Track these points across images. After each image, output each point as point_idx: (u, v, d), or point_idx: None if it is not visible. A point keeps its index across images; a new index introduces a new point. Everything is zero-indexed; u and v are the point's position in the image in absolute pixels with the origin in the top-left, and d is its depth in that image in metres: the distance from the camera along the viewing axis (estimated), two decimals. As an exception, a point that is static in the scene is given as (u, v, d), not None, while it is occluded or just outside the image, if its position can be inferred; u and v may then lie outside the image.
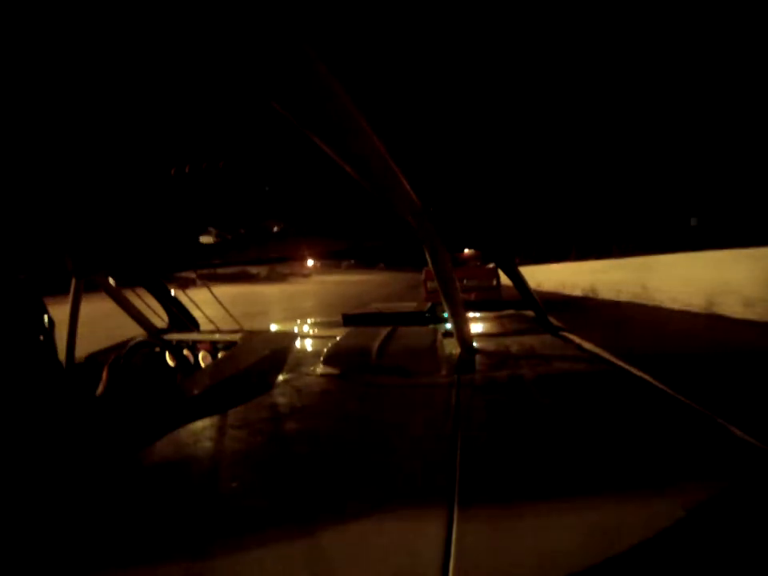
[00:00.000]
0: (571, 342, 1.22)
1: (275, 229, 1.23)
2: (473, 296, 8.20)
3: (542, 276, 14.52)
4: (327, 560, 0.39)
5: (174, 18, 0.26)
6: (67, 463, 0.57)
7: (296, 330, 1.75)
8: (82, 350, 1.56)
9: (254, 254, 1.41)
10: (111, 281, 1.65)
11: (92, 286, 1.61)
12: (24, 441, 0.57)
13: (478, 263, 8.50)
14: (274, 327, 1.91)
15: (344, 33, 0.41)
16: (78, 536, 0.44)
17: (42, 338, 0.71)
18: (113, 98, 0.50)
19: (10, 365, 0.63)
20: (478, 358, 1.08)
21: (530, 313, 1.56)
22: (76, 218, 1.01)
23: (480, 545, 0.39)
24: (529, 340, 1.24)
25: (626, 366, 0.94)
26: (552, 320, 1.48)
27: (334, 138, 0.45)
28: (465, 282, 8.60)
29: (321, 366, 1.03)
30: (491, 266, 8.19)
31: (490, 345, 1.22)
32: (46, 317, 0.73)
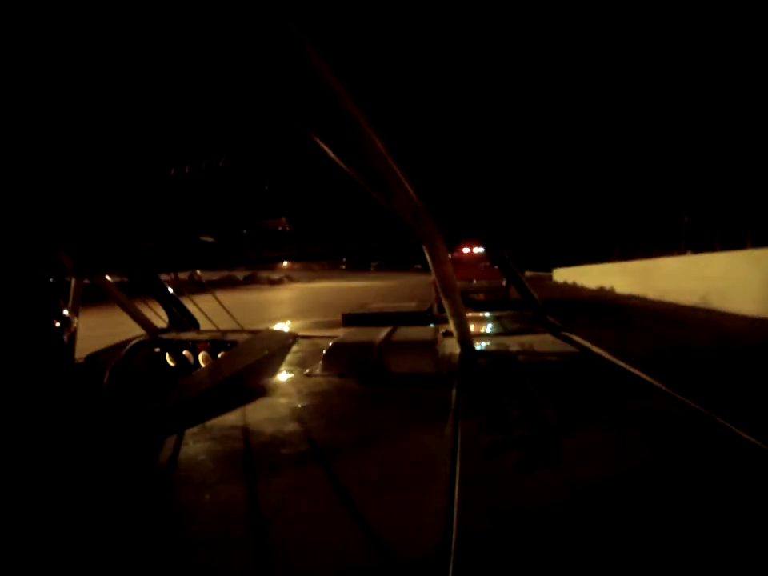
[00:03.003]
0: (571, 341, 1.22)
1: (280, 227, 1.22)
2: (482, 296, 8.72)
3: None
4: (326, 558, 0.39)
5: (172, 16, 0.26)
6: (69, 463, 0.57)
7: (296, 330, 1.75)
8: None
9: (253, 254, 1.40)
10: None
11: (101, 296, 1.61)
12: (29, 440, 0.57)
13: (487, 264, 8.64)
14: (273, 327, 1.91)
15: (344, 32, 0.41)
16: (78, 536, 0.44)
17: (52, 338, 0.70)
18: (112, 97, 0.50)
19: (19, 363, 0.62)
20: (478, 358, 1.08)
21: (530, 313, 1.56)
22: (75, 218, 1.01)
23: (480, 545, 0.39)
24: (529, 340, 1.24)
25: (627, 366, 0.94)
26: (552, 320, 1.48)
27: (333, 136, 0.45)
28: (474, 282, 8.96)
29: (321, 366, 1.03)
30: (499, 266, 8.40)
31: (490, 345, 1.22)
32: (60, 316, 0.72)
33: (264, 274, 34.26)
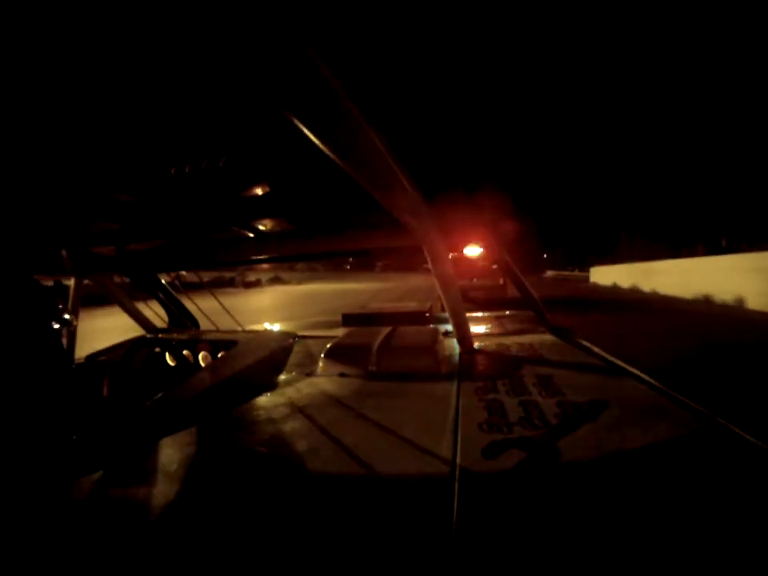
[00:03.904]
0: (572, 341, 1.22)
1: (280, 228, 1.22)
2: (481, 294, 9.51)
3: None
4: (326, 564, 0.39)
5: (173, 16, 0.26)
6: (68, 463, 0.57)
7: (296, 330, 1.75)
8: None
9: (254, 254, 1.40)
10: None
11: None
12: (27, 441, 0.57)
13: (487, 263, 9.05)
14: (273, 327, 1.91)
15: (344, 31, 0.41)
16: (78, 536, 0.44)
17: (51, 338, 0.70)
18: (113, 97, 0.50)
19: (18, 364, 0.62)
20: (478, 358, 1.08)
21: (530, 313, 1.56)
22: (75, 218, 1.01)
23: (480, 544, 0.39)
24: (529, 340, 1.24)
25: (626, 366, 0.94)
26: (552, 320, 1.48)
27: (332, 136, 0.45)
28: (474, 281, 9.86)
29: (321, 365, 1.03)
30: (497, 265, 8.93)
31: (490, 345, 1.22)
32: (60, 318, 0.71)
33: (247, 275, 28.85)
